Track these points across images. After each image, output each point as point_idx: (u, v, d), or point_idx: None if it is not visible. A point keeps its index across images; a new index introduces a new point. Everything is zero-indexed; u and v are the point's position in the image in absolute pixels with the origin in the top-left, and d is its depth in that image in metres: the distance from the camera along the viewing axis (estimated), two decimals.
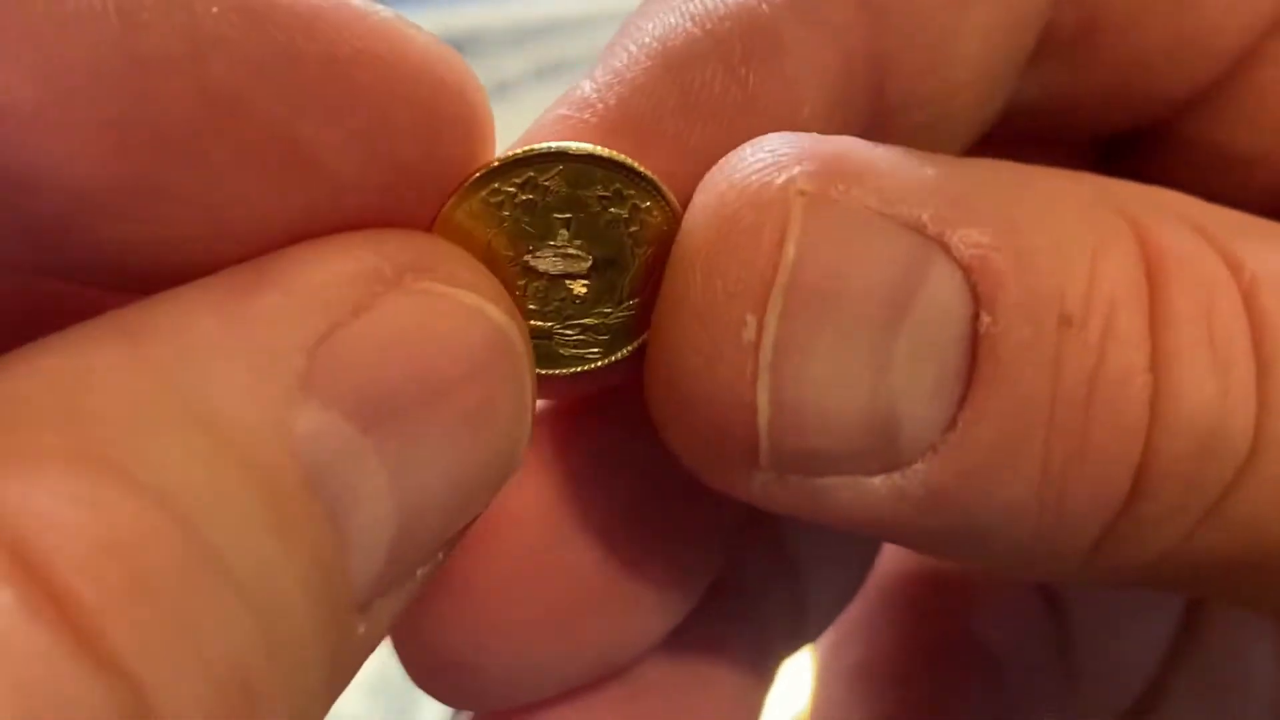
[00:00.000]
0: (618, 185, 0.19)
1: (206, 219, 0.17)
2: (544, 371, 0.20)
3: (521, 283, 0.19)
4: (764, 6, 0.20)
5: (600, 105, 0.19)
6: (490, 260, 0.19)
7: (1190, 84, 0.26)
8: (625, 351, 0.20)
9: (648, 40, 0.20)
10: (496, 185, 0.18)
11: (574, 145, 0.18)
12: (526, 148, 0.18)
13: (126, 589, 0.13)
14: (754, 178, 0.18)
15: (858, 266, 0.17)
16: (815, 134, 0.18)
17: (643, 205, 0.19)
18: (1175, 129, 0.26)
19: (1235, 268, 0.19)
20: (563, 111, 0.19)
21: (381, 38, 0.16)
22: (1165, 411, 0.18)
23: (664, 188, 0.19)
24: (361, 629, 0.16)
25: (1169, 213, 0.19)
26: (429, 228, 0.18)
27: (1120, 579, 0.20)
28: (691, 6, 0.20)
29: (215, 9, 0.16)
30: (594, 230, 0.19)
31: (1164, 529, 0.19)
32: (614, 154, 0.18)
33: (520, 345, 0.17)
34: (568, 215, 0.19)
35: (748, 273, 0.17)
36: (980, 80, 0.23)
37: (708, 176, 0.18)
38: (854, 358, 0.18)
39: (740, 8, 0.20)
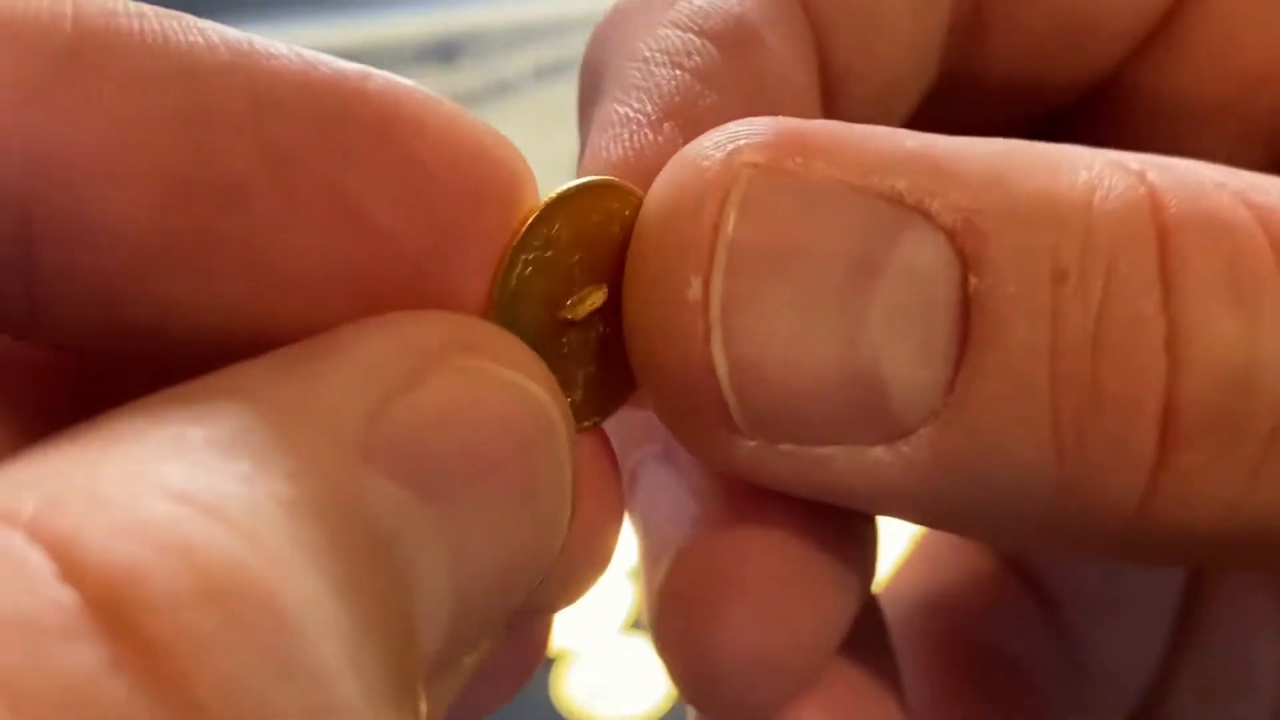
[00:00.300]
0: (603, 204, 0.19)
1: (258, 273, 0.17)
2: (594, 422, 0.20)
3: (560, 340, 0.19)
4: (742, 25, 0.21)
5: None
6: (541, 329, 0.19)
7: (1095, 61, 0.26)
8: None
9: (654, 96, 0.21)
10: (524, 258, 0.18)
11: (557, 190, 0.19)
12: (529, 218, 0.18)
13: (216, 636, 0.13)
14: (705, 152, 0.18)
15: (813, 229, 0.18)
16: (788, 117, 0.19)
17: (626, 214, 0.19)
18: (1115, 96, 0.26)
19: (1251, 205, 0.19)
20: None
21: (430, 110, 0.17)
22: (1185, 353, 0.18)
23: (638, 189, 0.19)
24: (424, 707, 0.16)
25: (1167, 162, 0.19)
26: (484, 311, 0.18)
27: (1183, 548, 0.19)
28: (672, 42, 0.21)
29: (274, 77, 0.17)
30: (600, 256, 0.19)
31: (1218, 479, 0.18)
32: (584, 180, 0.19)
33: (561, 423, 0.17)
34: (579, 255, 0.19)
35: (690, 235, 0.18)
36: (913, 51, 0.24)
37: (670, 160, 0.19)
38: (817, 316, 0.18)
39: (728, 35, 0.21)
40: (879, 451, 0.18)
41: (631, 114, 0.21)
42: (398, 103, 0.17)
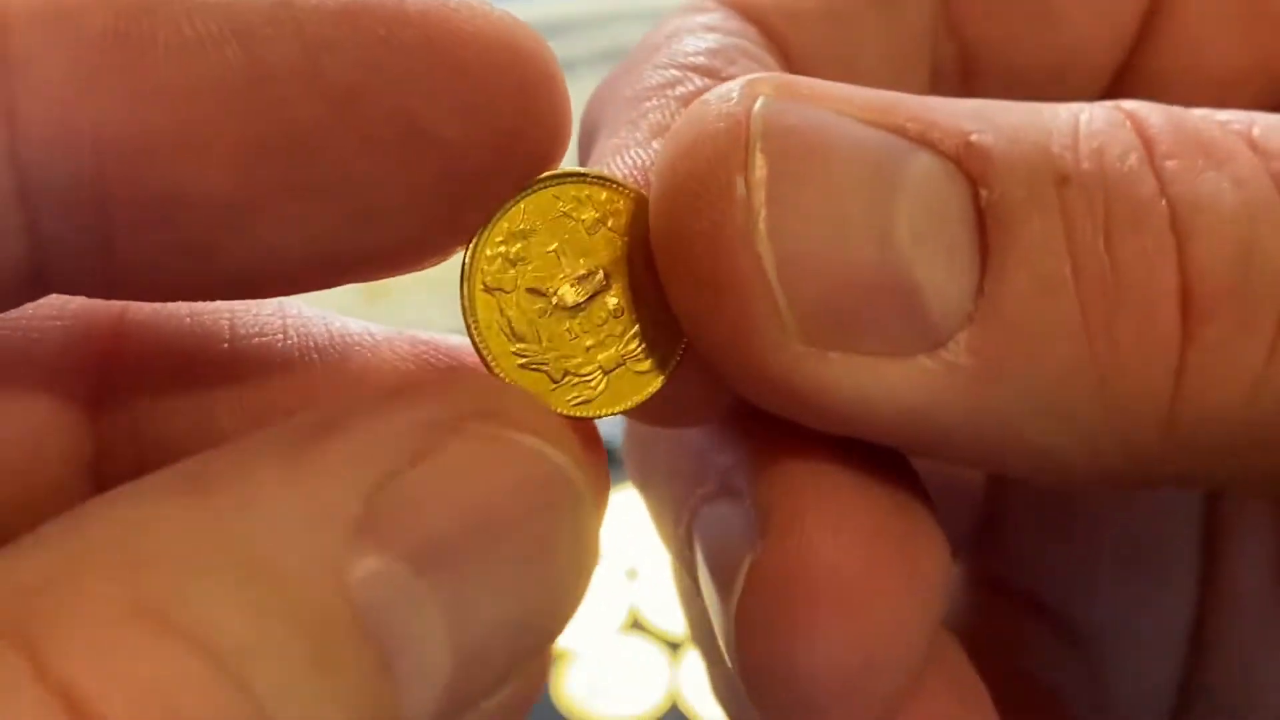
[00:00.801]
0: (573, 194, 0.19)
1: (339, 209, 0.18)
2: (640, 399, 0.20)
3: (566, 326, 0.20)
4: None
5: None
6: (527, 321, 0.19)
7: (1079, 96, 0.27)
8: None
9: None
10: (488, 253, 0.19)
11: (525, 190, 0.19)
12: (486, 222, 0.19)
13: None
14: (723, 90, 0.19)
15: (832, 141, 0.18)
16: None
17: (602, 198, 0.20)
18: None
19: (1223, 123, 0.20)
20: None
21: (465, 18, 0.18)
22: (1189, 229, 0.18)
23: (610, 173, 0.20)
24: None
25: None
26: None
27: (1212, 454, 0.20)
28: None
29: (319, 16, 0.17)
30: (584, 244, 0.20)
31: (1241, 352, 0.19)
32: (552, 171, 0.19)
33: (580, 483, 0.18)
34: (555, 244, 0.19)
35: (726, 138, 0.18)
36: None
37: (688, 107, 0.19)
38: (850, 215, 0.18)
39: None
40: (923, 359, 0.18)
41: (621, 141, 0.21)
42: (436, 19, 0.18)
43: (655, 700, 0.54)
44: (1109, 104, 0.20)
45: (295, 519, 0.15)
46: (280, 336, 0.22)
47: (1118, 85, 0.27)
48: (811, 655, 0.19)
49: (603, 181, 0.20)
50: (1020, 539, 0.31)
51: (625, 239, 0.20)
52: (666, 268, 0.19)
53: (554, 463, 0.17)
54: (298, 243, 0.18)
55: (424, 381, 0.18)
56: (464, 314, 0.19)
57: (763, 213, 0.18)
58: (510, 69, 0.18)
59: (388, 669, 0.15)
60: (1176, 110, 0.20)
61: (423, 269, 0.20)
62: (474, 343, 0.19)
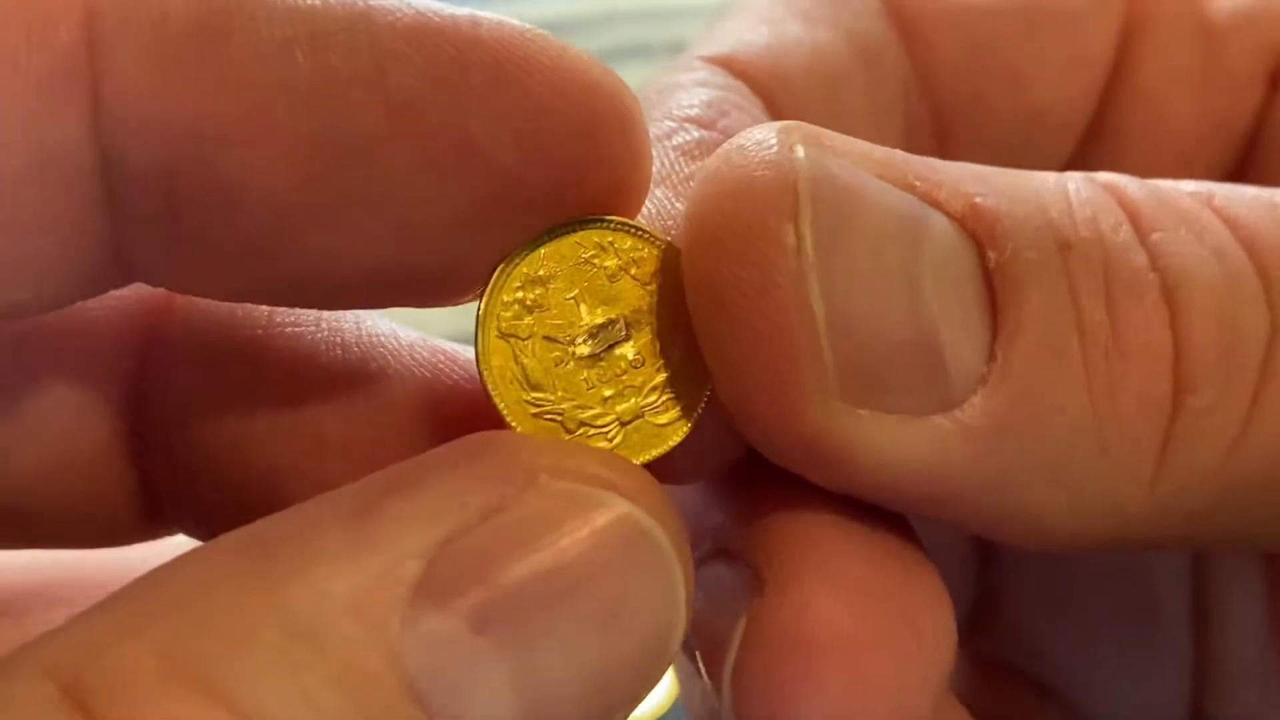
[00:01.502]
0: (595, 240, 0.19)
1: (392, 220, 0.18)
2: (659, 453, 0.20)
3: (584, 376, 0.19)
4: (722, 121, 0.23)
5: None
6: (543, 369, 0.19)
7: (1050, 155, 0.28)
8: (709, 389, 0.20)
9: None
10: (505, 299, 0.19)
11: (546, 232, 0.19)
12: (502, 265, 0.19)
13: None
14: (755, 134, 0.19)
15: (866, 193, 0.19)
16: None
17: (626, 245, 0.19)
18: None
19: (1194, 194, 0.20)
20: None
21: (539, 48, 0.18)
22: (1181, 300, 0.19)
23: (635, 221, 0.20)
24: None
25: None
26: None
27: (1182, 514, 0.20)
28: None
29: (392, 31, 0.17)
30: (605, 292, 0.19)
31: (1219, 425, 0.19)
32: (575, 217, 0.19)
33: (663, 538, 0.17)
34: (575, 291, 0.19)
35: (775, 186, 0.18)
36: None
37: (709, 157, 0.19)
38: (886, 271, 0.18)
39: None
40: (940, 419, 0.19)
41: None
42: (510, 44, 0.18)
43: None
44: (1087, 175, 0.20)
45: (351, 582, 0.15)
46: (313, 328, 0.22)
47: (1085, 145, 0.28)
48: (811, 711, 0.19)
49: (627, 228, 0.19)
50: (1017, 617, 0.31)
51: (649, 288, 0.19)
52: (704, 314, 0.19)
53: (629, 518, 0.17)
54: (348, 252, 0.18)
55: (494, 436, 0.18)
56: (477, 360, 0.19)
57: (814, 262, 0.18)
58: (577, 103, 0.18)
59: None
60: (1149, 182, 0.20)
61: (466, 301, 0.20)
62: (486, 390, 0.19)
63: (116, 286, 0.20)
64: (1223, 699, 0.29)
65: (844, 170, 0.19)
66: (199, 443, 0.23)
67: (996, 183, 0.19)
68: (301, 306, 0.22)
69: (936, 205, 0.19)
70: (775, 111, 0.25)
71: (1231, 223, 0.20)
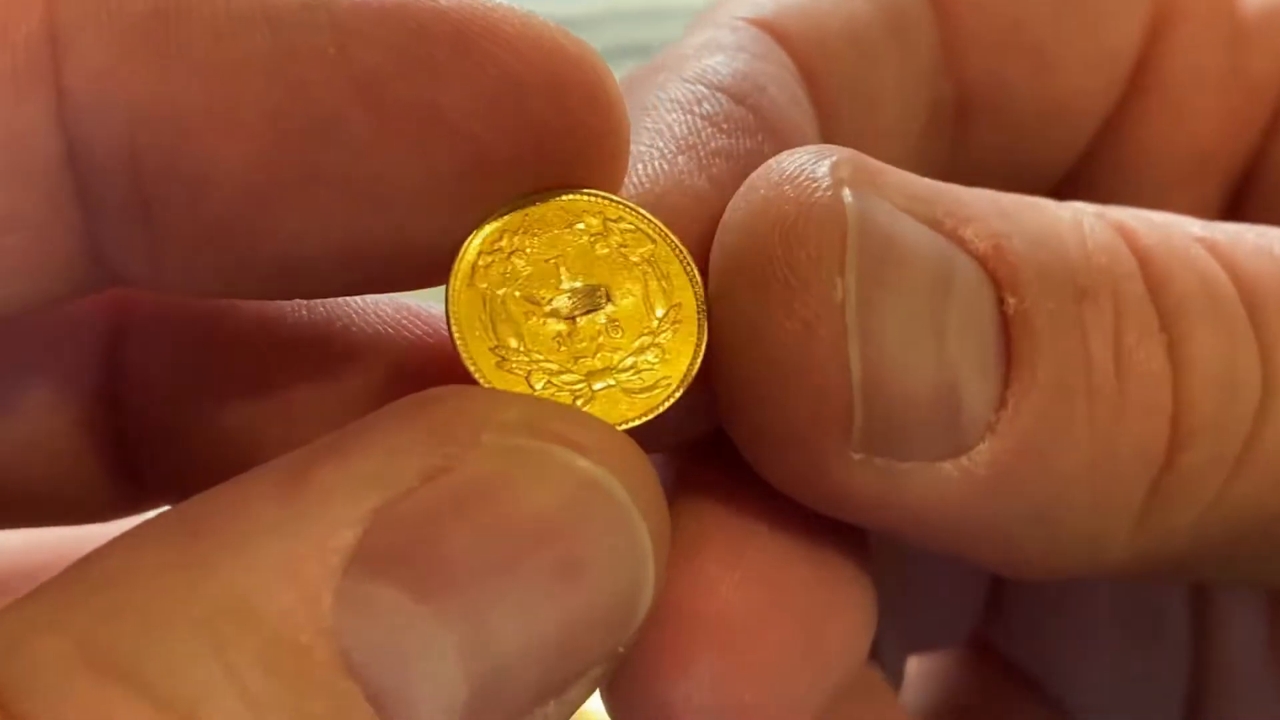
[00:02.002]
0: (582, 207, 0.19)
1: (361, 197, 0.18)
2: (633, 420, 0.19)
3: (555, 332, 0.19)
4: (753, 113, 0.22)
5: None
6: (515, 318, 0.19)
7: (1070, 142, 0.28)
8: (696, 364, 0.19)
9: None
10: (480, 246, 0.19)
11: (530, 196, 0.19)
12: (494, 218, 0.19)
13: None
14: (802, 163, 0.18)
15: (904, 240, 0.18)
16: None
17: (612, 216, 0.19)
18: (1086, 178, 0.29)
19: (1200, 239, 0.21)
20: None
21: (502, 16, 0.18)
22: (1184, 362, 0.19)
23: (626, 201, 0.19)
24: None
25: (1121, 208, 0.21)
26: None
27: (1156, 556, 0.20)
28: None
29: (353, 8, 0.17)
30: (587, 259, 0.19)
31: (1203, 482, 0.20)
32: (560, 188, 0.19)
33: (622, 494, 0.17)
34: (556, 254, 0.19)
35: (827, 236, 0.18)
36: (903, 132, 0.26)
37: (751, 178, 0.19)
38: (919, 323, 0.18)
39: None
40: (947, 467, 0.18)
41: (644, 149, 0.21)
42: (473, 14, 0.17)
43: None
44: (1099, 211, 0.20)
45: (280, 554, 0.15)
46: None
47: (1104, 136, 0.28)
48: (681, 688, 0.18)
49: (618, 203, 0.19)
50: (1017, 618, 0.31)
51: (635, 261, 0.19)
52: (733, 350, 0.18)
53: (584, 474, 0.16)
54: (321, 232, 0.18)
55: (438, 393, 0.17)
56: (445, 305, 0.18)
57: (855, 319, 0.18)
58: (544, 69, 0.18)
59: (378, 705, 0.15)
60: (1158, 222, 0.20)
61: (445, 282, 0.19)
62: (451, 338, 0.18)
63: (98, 289, 0.20)
64: (1220, 709, 0.29)
65: (887, 216, 0.18)
66: (171, 413, 0.23)
67: (1019, 220, 0.19)
68: (282, 298, 0.21)
69: (961, 243, 0.19)
70: (812, 84, 0.25)
71: (1232, 271, 0.20)
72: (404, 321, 0.22)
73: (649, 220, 0.19)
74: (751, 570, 0.19)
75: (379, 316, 0.22)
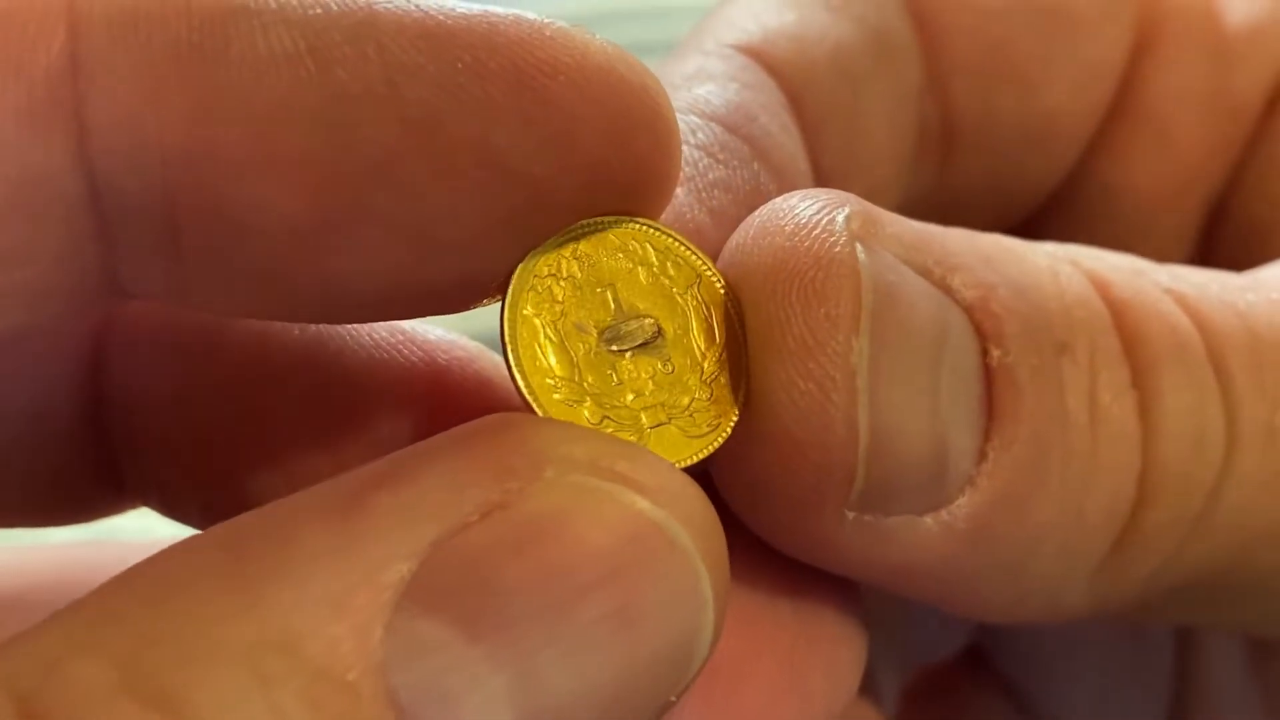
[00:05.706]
0: (633, 238, 0.19)
1: (413, 239, 0.17)
2: (688, 459, 0.18)
3: (610, 368, 0.18)
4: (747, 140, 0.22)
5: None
6: (569, 348, 0.18)
7: (1055, 163, 0.28)
8: (741, 401, 0.19)
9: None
10: (537, 275, 0.18)
11: (582, 225, 0.18)
12: (546, 246, 0.18)
13: None
14: (816, 214, 0.18)
15: (914, 300, 0.18)
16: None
17: (662, 247, 0.19)
18: (1070, 200, 0.29)
19: (1169, 291, 0.20)
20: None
21: (560, 46, 0.17)
22: (1154, 421, 0.19)
23: (676, 233, 0.19)
24: None
25: (1092, 252, 0.21)
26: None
27: (1112, 603, 0.21)
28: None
29: (402, 39, 0.16)
30: (637, 289, 0.19)
31: (1165, 537, 0.20)
32: (611, 216, 0.18)
33: (685, 538, 0.16)
34: (607, 283, 0.19)
35: (845, 295, 0.17)
36: (891, 157, 0.26)
37: (757, 214, 0.19)
38: (919, 383, 0.18)
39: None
40: (928, 521, 0.18)
41: None
42: (529, 46, 0.17)
43: None
44: (1072, 259, 0.20)
45: (331, 585, 0.14)
46: None
47: (1090, 156, 0.28)
48: None
49: (668, 234, 0.19)
50: (998, 627, 0.31)
51: (686, 298, 0.19)
52: (763, 400, 0.18)
53: (644, 516, 0.16)
54: (367, 272, 0.17)
55: (499, 421, 0.16)
56: (502, 336, 0.18)
57: (865, 384, 0.17)
58: (605, 104, 0.17)
59: None
60: (1128, 269, 0.20)
61: (482, 305, 0.19)
62: (508, 365, 0.18)
63: (113, 306, 0.19)
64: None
65: (894, 273, 0.18)
66: (155, 421, 0.22)
67: (1003, 269, 0.19)
68: (313, 322, 0.21)
69: (949, 293, 0.18)
70: (800, 110, 0.24)
71: (1199, 325, 0.20)
72: (399, 344, 0.22)
73: (695, 253, 0.19)
74: (732, 612, 0.18)
75: (372, 338, 0.22)
